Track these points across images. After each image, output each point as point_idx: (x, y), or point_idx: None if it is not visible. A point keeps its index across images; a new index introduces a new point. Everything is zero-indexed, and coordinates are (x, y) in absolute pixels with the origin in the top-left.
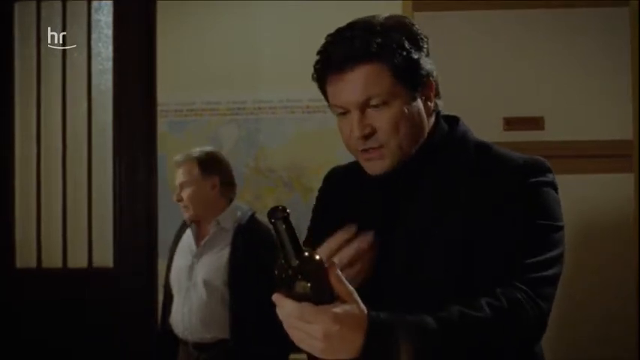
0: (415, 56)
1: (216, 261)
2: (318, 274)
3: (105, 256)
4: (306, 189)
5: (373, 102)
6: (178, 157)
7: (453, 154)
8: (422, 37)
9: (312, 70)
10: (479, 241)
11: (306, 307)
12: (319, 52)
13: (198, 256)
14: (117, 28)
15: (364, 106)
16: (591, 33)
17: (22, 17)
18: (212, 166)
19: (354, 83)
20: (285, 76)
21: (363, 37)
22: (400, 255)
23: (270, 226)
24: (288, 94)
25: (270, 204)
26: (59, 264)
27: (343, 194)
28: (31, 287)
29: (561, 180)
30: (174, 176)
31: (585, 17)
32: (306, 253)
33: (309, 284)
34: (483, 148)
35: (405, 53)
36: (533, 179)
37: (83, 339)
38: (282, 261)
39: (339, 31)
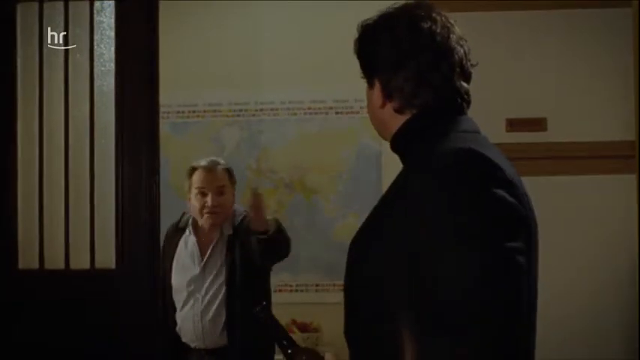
0: (362, 47)
1: (222, 269)
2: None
3: (107, 258)
4: (307, 190)
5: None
6: (204, 163)
7: (412, 152)
8: (380, 31)
9: (313, 71)
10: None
11: None
12: None
13: (205, 264)
14: (119, 29)
15: None
16: (594, 34)
17: (25, 18)
18: (234, 176)
19: None
20: (286, 77)
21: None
22: (370, 265)
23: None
24: (289, 96)
25: (272, 205)
26: (61, 265)
27: None
28: (34, 288)
29: (564, 180)
30: (179, 178)
31: (587, 18)
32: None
33: None
34: (434, 146)
35: (356, 43)
36: (475, 180)
37: (85, 340)
38: (288, 353)
39: None
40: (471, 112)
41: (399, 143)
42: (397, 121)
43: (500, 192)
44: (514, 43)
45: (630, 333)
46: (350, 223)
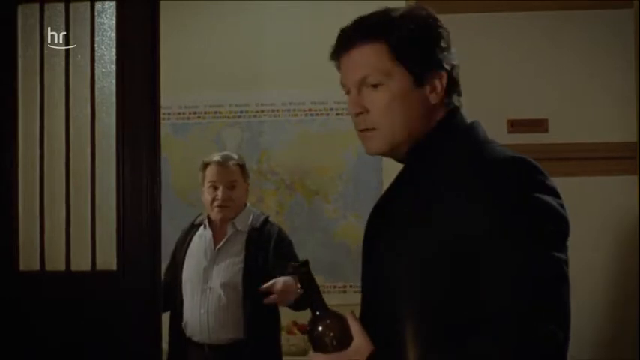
0: (421, 41)
1: (232, 263)
2: (344, 326)
3: (108, 259)
4: (308, 191)
5: (369, 80)
6: (217, 158)
7: (447, 156)
8: (438, 28)
9: (314, 72)
10: (467, 259)
11: (335, 356)
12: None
13: (214, 258)
14: (120, 31)
15: (361, 85)
16: (595, 35)
17: (25, 19)
18: (246, 171)
19: (354, 61)
20: (287, 78)
21: (372, 18)
22: (374, 266)
23: (277, 230)
24: (290, 97)
25: (273, 206)
26: (63, 267)
27: None
28: (35, 290)
29: (565, 182)
30: (180, 179)
31: (589, 19)
32: (331, 310)
33: (337, 335)
34: (475, 147)
35: (408, 35)
36: (527, 184)
37: (86, 342)
38: (314, 317)
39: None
40: (473, 113)
41: (432, 142)
42: (428, 121)
43: (552, 201)
44: (515, 44)
45: (630, 333)
46: (351, 225)
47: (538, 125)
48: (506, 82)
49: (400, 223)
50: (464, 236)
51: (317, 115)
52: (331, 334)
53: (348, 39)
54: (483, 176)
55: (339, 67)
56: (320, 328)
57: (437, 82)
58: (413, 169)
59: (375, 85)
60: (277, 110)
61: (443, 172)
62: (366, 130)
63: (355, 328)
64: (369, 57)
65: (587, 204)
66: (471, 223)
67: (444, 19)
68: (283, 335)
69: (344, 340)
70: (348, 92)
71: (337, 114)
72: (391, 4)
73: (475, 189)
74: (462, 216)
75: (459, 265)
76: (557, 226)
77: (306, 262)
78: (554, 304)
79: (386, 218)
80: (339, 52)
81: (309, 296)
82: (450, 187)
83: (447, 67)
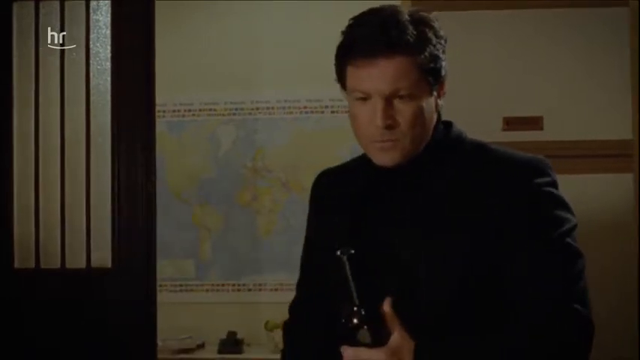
0: (439, 54)
1: None
2: (380, 320)
3: (103, 257)
4: (303, 189)
5: (401, 93)
6: None
7: (452, 155)
8: (443, 35)
9: (309, 70)
10: (490, 254)
11: (380, 350)
12: (346, 32)
13: None
14: (115, 28)
15: (390, 97)
16: (591, 33)
17: (21, 17)
18: None
19: (386, 72)
20: (282, 76)
21: (398, 27)
22: (392, 262)
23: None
24: (285, 95)
25: (267, 204)
26: (57, 264)
27: (333, 197)
28: (30, 287)
29: (560, 180)
30: (175, 177)
31: (585, 17)
32: (369, 304)
33: (372, 330)
34: (482, 148)
35: (433, 49)
36: (540, 179)
37: (81, 339)
38: (349, 310)
39: (367, 15)
40: (468, 111)
41: (440, 145)
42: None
43: (561, 194)
44: (511, 42)
45: (630, 333)
46: None
47: (533, 123)
48: (501, 79)
49: (429, 222)
50: (492, 230)
51: (312, 112)
52: (365, 327)
53: (372, 47)
54: (504, 174)
55: (344, 69)
56: (355, 321)
57: (441, 89)
58: (422, 174)
59: (401, 97)
60: (272, 108)
61: (459, 172)
62: (389, 140)
63: (394, 323)
64: (403, 69)
65: (582, 202)
66: (496, 216)
67: (439, 16)
68: (277, 333)
69: (380, 334)
70: (363, 99)
71: (332, 112)
72: (387, 4)
73: (497, 185)
74: (489, 211)
75: (490, 256)
76: (570, 219)
77: (343, 252)
78: (578, 287)
79: (396, 223)
80: (357, 56)
81: (349, 290)
82: (470, 185)
83: (444, 78)
